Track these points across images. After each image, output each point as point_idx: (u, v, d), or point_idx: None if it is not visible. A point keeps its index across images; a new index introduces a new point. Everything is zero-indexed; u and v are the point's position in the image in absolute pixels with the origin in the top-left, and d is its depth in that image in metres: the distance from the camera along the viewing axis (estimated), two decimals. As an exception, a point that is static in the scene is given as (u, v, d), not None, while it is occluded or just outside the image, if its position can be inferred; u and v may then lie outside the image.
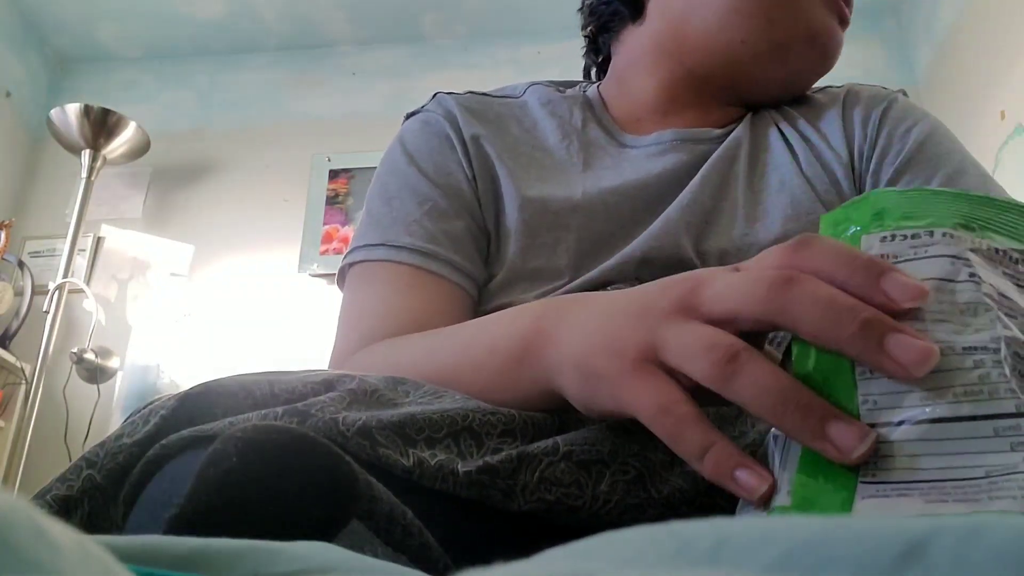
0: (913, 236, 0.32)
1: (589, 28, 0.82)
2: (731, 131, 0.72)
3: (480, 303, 0.68)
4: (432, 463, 0.36)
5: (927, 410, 0.29)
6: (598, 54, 0.83)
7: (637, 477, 0.38)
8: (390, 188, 0.71)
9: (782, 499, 0.31)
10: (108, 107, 2.45)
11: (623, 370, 0.35)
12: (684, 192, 0.67)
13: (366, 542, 0.31)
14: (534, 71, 2.64)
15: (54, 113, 2.44)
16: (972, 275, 0.31)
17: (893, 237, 0.33)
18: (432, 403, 0.41)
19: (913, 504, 0.28)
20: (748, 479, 0.31)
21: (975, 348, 0.29)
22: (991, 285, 0.31)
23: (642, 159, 0.71)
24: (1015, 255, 0.32)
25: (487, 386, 0.45)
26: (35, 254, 2.60)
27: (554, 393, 0.41)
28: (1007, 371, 0.29)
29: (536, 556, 0.18)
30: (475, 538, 0.37)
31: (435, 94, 0.77)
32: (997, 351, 0.29)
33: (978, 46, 2.23)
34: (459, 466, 0.37)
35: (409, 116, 0.78)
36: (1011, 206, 0.34)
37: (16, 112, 2.72)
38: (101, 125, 2.45)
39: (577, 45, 0.88)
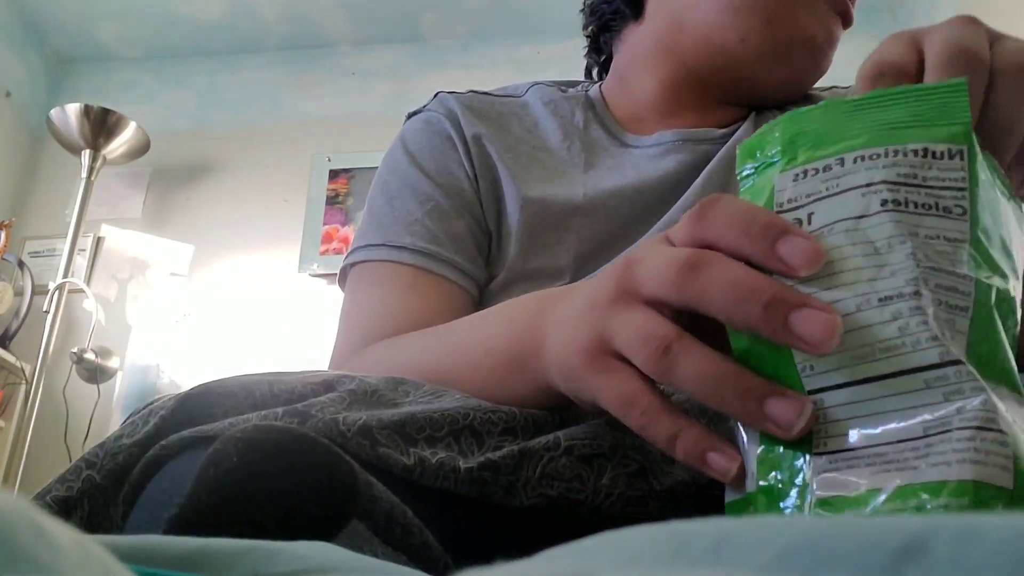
0: (825, 168, 0.31)
1: (590, 27, 0.82)
2: (734, 131, 0.72)
3: (481, 303, 0.68)
4: (433, 461, 0.37)
5: (857, 371, 0.29)
6: (600, 54, 0.83)
7: (639, 470, 0.39)
8: (391, 188, 0.71)
9: (751, 482, 0.31)
10: (108, 107, 2.45)
11: (585, 366, 0.35)
12: (687, 194, 0.66)
13: (366, 542, 0.31)
14: (533, 71, 2.64)
15: (54, 113, 2.44)
16: (884, 203, 0.30)
17: (805, 174, 0.32)
18: (432, 402, 0.41)
19: (860, 476, 0.28)
20: (719, 461, 0.31)
21: (891, 297, 0.28)
22: (910, 204, 0.30)
23: (644, 160, 0.71)
24: (937, 151, 0.31)
25: (484, 385, 0.45)
26: (35, 254, 2.60)
27: (552, 391, 0.41)
28: (929, 317, 0.28)
29: (536, 555, 0.18)
30: (475, 537, 0.37)
31: (437, 93, 0.77)
32: (916, 294, 0.28)
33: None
34: (460, 463, 0.37)
35: (411, 115, 0.77)
36: (931, 89, 0.32)
37: (16, 112, 2.72)
38: (101, 125, 2.45)
39: (577, 45, 0.88)
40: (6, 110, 2.68)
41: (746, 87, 0.72)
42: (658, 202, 0.67)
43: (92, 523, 0.37)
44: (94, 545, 0.16)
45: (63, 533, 0.15)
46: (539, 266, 0.66)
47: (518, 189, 0.68)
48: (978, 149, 0.31)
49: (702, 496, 0.39)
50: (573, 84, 0.82)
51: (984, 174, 0.31)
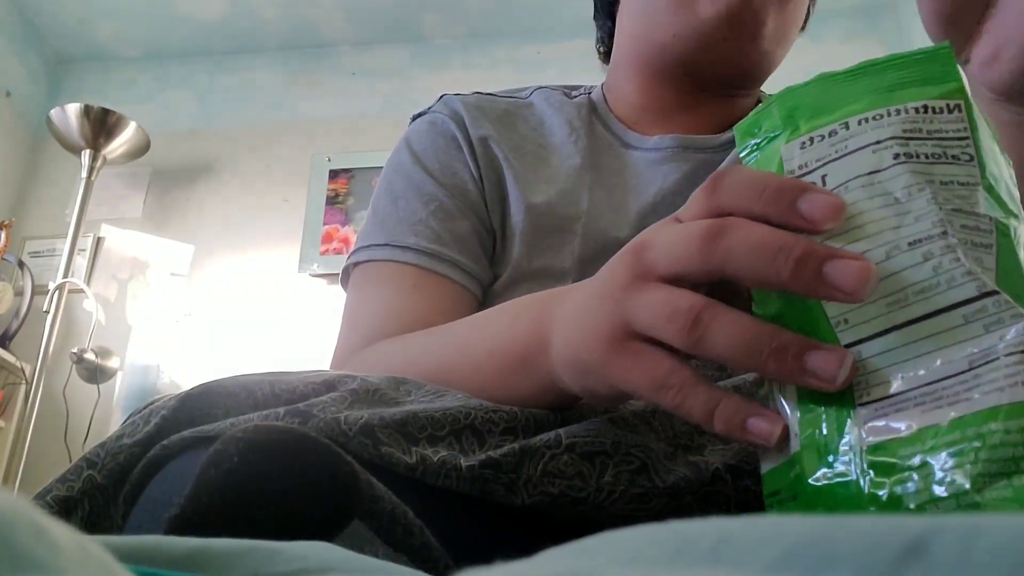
0: (831, 134, 0.32)
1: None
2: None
3: (484, 303, 0.68)
4: (435, 459, 0.36)
5: (894, 316, 0.29)
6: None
7: (641, 467, 0.38)
8: (396, 188, 0.71)
9: (794, 445, 0.31)
10: (108, 107, 2.45)
11: (606, 356, 0.35)
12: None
13: (367, 542, 0.31)
14: (534, 71, 2.64)
15: (54, 113, 2.44)
16: (897, 156, 0.30)
17: (811, 141, 0.32)
18: (434, 401, 0.41)
19: (911, 418, 0.28)
20: (760, 425, 0.31)
21: (920, 240, 0.29)
22: (920, 156, 0.30)
23: (644, 165, 0.71)
24: (936, 106, 0.31)
25: (486, 386, 0.45)
26: (35, 254, 2.60)
27: (558, 390, 0.41)
28: (959, 254, 0.28)
29: (536, 555, 0.18)
30: (476, 537, 0.37)
31: (441, 96, 0.77)
32: (944, 234, 0.29)
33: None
34: (462, 461, 0.37)
35: (415, 117, 0.78)
36: (918, 55, 0.33)
37: (16, 112, 2.72)
38: (101, 125, 2.45)
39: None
40: (6, 110, 2.68)
41: (707, 75, 0.72)
42: (660, 212, 0.67)
43: (92, 523, 0.37)
44: (94, 545, 0.16)
45: (63, 533, 0.15)
46: (543, 266, 0.66)
47: (523, 194, 0.68)
48: (973, 103, 0.32)
49: (704, 493, 0.39)
50: (575, 88, 0.82)
51: (982, 125, 0.32)
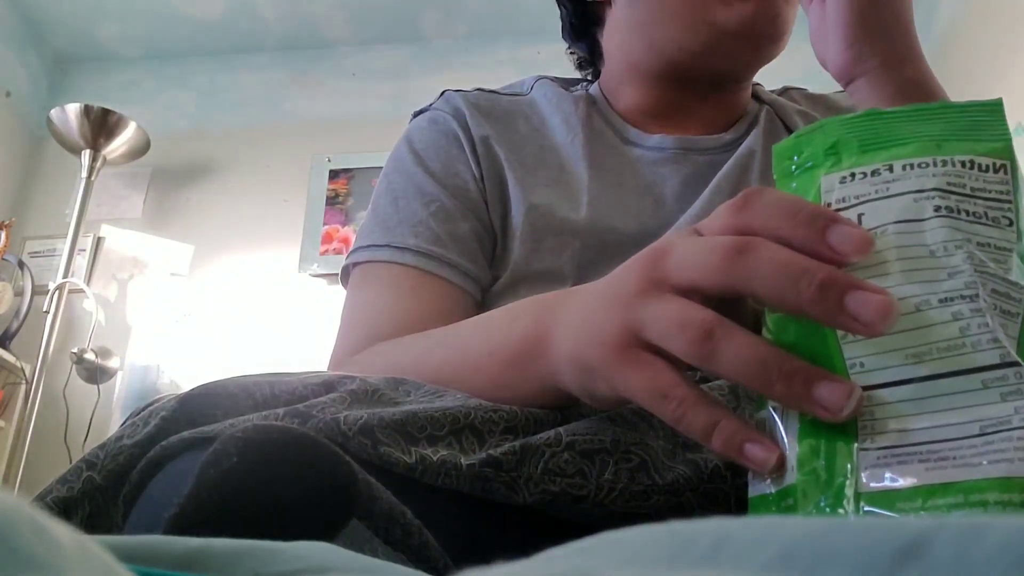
0: (873, 173, 0.31)
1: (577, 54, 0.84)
2: (738, 139, 0.72)
3: (484, 304, 0.68)
4: (435, 459, 0.37)
5: (912, 369, 0.29)
6: (591, 63, 0.84)
7: (640, 465, 0.39)
8: (396, 187, 0.71)
9: (790, 476, 0.30)
10: (108, 107, 2.45)
11: (610, 359, 0.35)
12: (696, 204, 0.67)
13: (366, 541, 0.31)
14: (534, 71, 2.62)
15: (54, 113, 2.44)
16: (938, 208, 0.30)
17: (853, 176, 0.32)
18: (434, 401, 0.41)
19: (913, 472, 0.28)
20: (757, 452, 0.31)
21: (951, 299, 0.29)
22: (961, 213, 0.30)
23: (645, 166, 0.71)
24: (983, 163, 0.31)
25: (486, 387, 0.45)
26: (35, 254, 2.60)
27: (558, 391, 0.41)
28: (988, 319, 0.28)
29: (536, 555, 0.18)
30: (476, 538, 0.37)
31: (443, 92, 0.77)
32: (975, 297, 0.28)
33: (978, 45, 2.23)
34: (462, 460, 0.37)
35: (417, 114, 0.77)
36: (970, 107, 0.33)
37: (16, 112, 2.72)
38: (101, 125, 2.45)
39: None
40: (6, 110, 2.68)
41: (719, 78, 0.72)
42: (660, 213, 0.68)
43: (92, 524, 0.37)
44: (94, 545, 0.16)
45: (64, 533, 0.15)
46: (543, 268, 0.66)
47: (524, 194, 0.68)
48: (1019, 165, 0.32)
49: (704, 491, 0.39)
50: (575, 82, 0.82)
51: (1023, 187, 0.32)
